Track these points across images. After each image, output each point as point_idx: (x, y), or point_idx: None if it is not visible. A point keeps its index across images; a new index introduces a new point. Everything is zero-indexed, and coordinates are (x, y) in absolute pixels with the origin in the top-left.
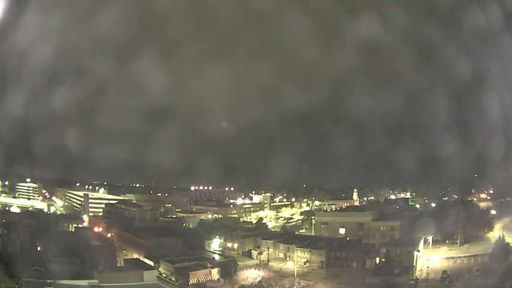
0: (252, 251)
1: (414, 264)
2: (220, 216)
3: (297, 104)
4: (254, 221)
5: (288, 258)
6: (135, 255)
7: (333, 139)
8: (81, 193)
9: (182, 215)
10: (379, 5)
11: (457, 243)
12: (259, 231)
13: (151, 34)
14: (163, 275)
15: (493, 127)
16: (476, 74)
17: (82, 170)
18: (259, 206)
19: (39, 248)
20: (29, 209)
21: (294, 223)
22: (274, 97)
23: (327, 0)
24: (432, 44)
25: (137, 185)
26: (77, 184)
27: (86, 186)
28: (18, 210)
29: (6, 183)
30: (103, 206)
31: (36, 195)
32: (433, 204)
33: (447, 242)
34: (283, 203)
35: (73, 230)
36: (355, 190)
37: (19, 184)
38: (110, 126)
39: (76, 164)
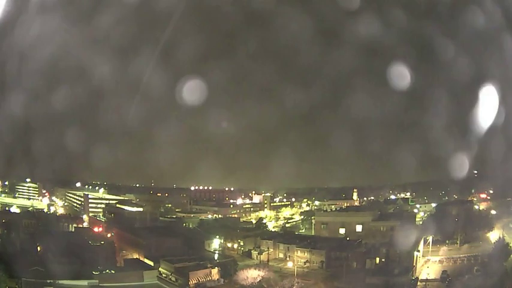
0: (252, 251)
1: (414, 264)
2: (220, 216)
3: (297, 104)
4: (254, 221)
5: (288, 258)
6: (135, 255)
7: (333, 139)
8: (81, 193)
9: (182, 215)
10: (379, 5)
11: (457, 243)
12: (259, 231)
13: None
14: (163, 275)
15: (493, 127)
16: (476, 74)
17: (82, 170)
18: (259, 206)
19: (39, 248)
20: (29, 209)
21: (294, 223)
22: (274, 97)
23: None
24: (432, 44)
25: (137, 185)
26: (77, 184)
27: (86, 186)
28: (18, 210)
29: (6, 183)
30: (103, 206)
31: (36, 195)
32: (433, 204)
33: (447, 242)
34: (283, 203)
35: (73, 230)
36: (355, 190)
37: (19, 184)
38: (110, 126)
39: (76, 164)
